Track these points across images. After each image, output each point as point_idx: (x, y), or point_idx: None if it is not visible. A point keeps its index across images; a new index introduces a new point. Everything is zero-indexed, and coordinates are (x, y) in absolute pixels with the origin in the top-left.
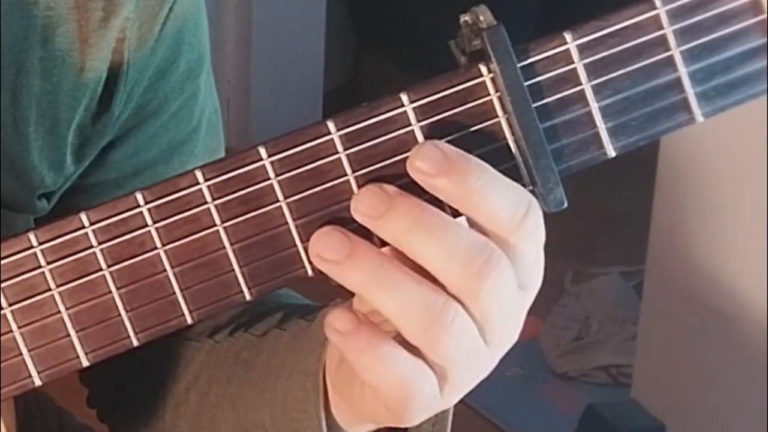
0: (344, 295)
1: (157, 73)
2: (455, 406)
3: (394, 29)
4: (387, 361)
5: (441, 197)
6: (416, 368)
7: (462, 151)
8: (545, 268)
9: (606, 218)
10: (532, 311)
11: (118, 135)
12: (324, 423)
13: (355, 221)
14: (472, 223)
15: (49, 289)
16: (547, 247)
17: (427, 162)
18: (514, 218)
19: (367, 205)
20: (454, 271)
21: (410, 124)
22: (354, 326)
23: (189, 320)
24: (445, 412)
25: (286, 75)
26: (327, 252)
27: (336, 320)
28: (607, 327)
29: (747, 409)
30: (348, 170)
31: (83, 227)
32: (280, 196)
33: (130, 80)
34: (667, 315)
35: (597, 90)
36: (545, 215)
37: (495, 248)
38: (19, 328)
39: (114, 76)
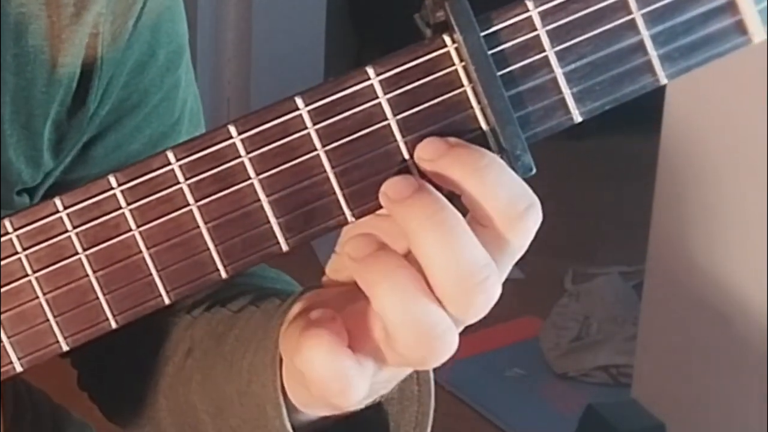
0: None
1: (136, 67)
2: (454, 406)
3: (394, 29)
4: (327, 357)
5: (446, 182)
6: (354, 369)
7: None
8: (545, 268)
9: (606, 218)
10: (532, 311)
11: (100, 130)
12: (281, 397)
13: (324, 197)
14: (473, 212)
15: (26, 275)
16: (547, 247)
17: (429, 148)
18: (515, 207)
19: (394, 188)
20: (450, 280)
21: (377, 97)
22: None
23: (166, 300)
24: (425, 417)
25: (286, 75)
26: (354, 250)
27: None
28: (607, 327)
29: (747, 409)
30: (318, 145)
31: (58, 212)
32: (252, 174)
33: (105, 75)
34: (667, 315)
35: (561, 56)
36: (544, 216)
37: (495, 270)
38: None
39: (88, 71)
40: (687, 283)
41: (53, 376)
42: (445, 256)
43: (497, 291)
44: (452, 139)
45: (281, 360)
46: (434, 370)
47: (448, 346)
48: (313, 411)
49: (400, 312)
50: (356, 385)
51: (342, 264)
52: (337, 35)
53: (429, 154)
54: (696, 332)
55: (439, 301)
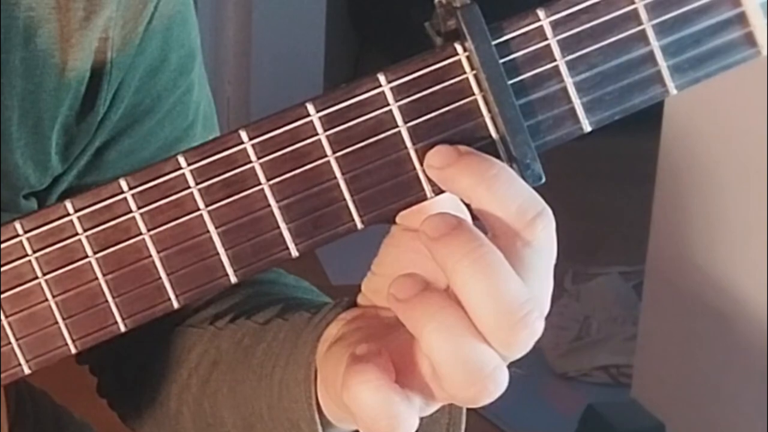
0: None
1: (148, 72)
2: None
3: (394, 29)
4: (377, 395)
5: (455, 190)
6: (404, 405)
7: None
8: None
9: (606, 218)
10: None
11: (113, 135)
12: (316, 413)
13: (334, 203)
14: (483, 221)
15: (36, 278)
16: None
17: (439, 156)
18: (524, 216)
19: (432, 226)
20: (492, 317)
21: (388, 104)
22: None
23: (175, 304)
24: (456, 429)
25: (286, 75)
26: (399, 291)
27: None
28: (607, 327)
29: (747, 409)
30: (328, 151)
31: (68, 214)
32: (262, 179)
33: (115, 79)
34: (667, 315)
35: (571, 65)
36: None
37: (536, 305)
38: (7, 317)
39: (97, 75)
40: (687, 283)
41: (55, 377)
42: (485, 293)
43: (540, 325)
44: (462, 148)
45: (316, 374)
46: None
47: (499, 385)
48: (346, 426)
49: (449, 353)
50: (405, 420)
51: (380, 284)
52: (337, 35)
53: (438, 161)
54: (696, 332)
55: (486, 340)
